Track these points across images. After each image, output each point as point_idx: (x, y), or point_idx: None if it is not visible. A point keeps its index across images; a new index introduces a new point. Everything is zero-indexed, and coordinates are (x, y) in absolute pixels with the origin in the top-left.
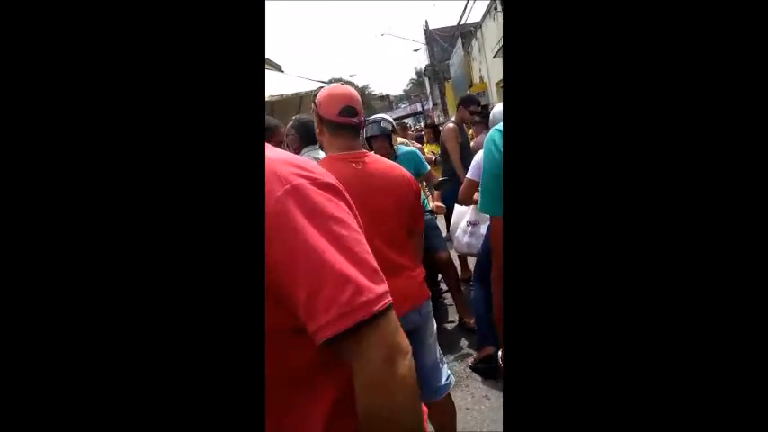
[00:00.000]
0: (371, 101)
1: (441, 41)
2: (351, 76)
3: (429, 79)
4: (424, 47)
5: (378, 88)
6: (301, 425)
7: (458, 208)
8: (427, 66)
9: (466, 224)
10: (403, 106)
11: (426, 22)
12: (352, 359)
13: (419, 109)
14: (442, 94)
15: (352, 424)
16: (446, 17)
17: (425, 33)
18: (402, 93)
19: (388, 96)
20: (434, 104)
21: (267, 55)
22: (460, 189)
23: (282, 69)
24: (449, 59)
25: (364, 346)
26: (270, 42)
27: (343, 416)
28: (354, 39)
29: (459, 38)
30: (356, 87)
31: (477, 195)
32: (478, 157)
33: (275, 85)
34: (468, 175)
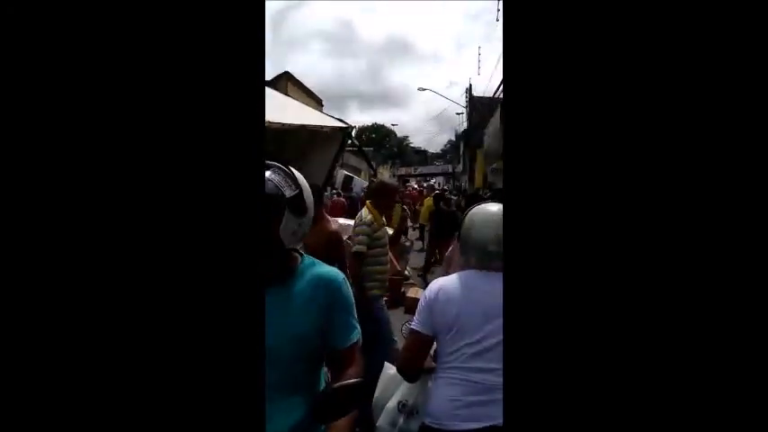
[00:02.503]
0: (409, 153)
1: (480, 108)
2: (393, 125)
3: (462, 143)
4: (464, 110)
5: (417, 141)
6: None
7: (385, 376)
8: (464, 130)
9: (397, 405)
10: (437, 164)
11: (470, 85)
12: None
13: (450, 170)
14: (472, 161)
15: None
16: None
17: (467, 97)
18: (440, 151)
19: (425, 152)
20: (464, 169)
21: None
22: (402, 347)
23: (323, 103)
24: (485, 128)
25: None
26: (316, 77)
27: None
28: (405, 89)
29: (499, 108)
30: (395, 137)
31: (429, 362)
32: (425, 300)
33: (297, 115)
34: (413, 326)
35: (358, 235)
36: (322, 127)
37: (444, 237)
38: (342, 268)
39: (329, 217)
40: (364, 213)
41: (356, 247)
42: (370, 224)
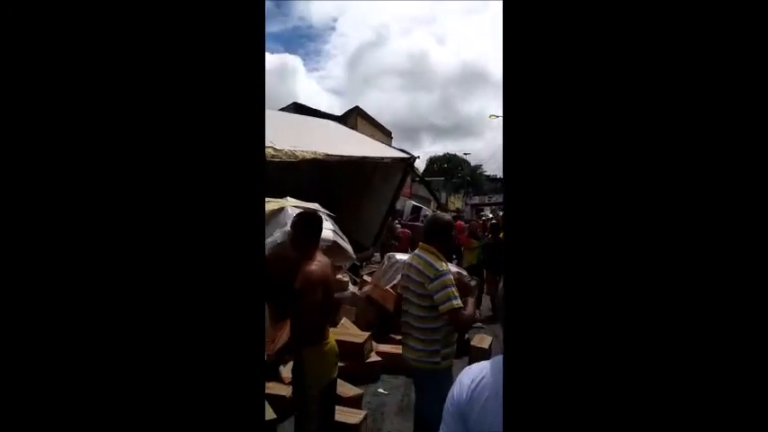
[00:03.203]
0: (483, 181)
1: None
2: (465, 154)
3: None
4: None
5: (491, 170)
6: None
7: None
8: None
9: None
10: None
11: None
12: None
13: None
14: None
15: None
16: None
17: None
18: None
19: (499, 179)
20: None
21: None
22: None
23: (392, 136)
24: None
25: None
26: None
27: None
28: (478, 117)
29: None
30: (468, 165)
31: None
32: (453, 400)
33: (360, 148)
34: None
35: (446, 287)
36: (383, 158)
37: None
38: (319, 313)
39: (319, 255)
40: (433, 260)
41: (455, 303)
42: (446, 272)
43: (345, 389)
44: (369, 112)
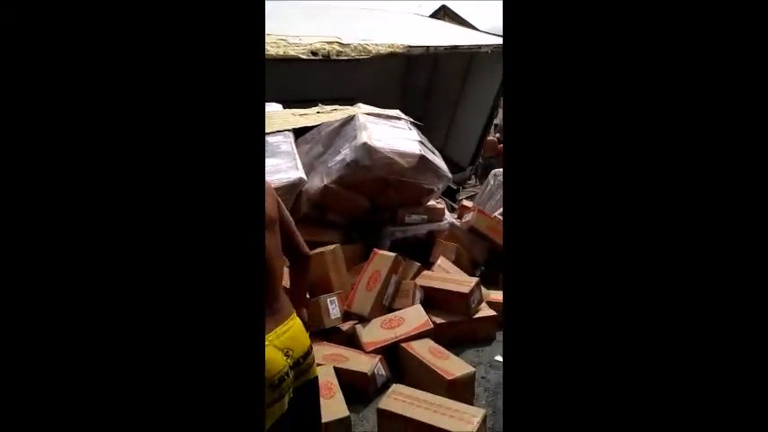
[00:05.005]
0: None
1: None
2: None
3: None
4: None
5: None
6: None
7: None
8: None
9: None
10: None
11: None
12: None
13: None
14: None
15: None
16: None
17: None
18: None
19: None
20: None
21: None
22: None
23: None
24: None
25: None
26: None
27: None
28: None
29: None
30: None
31: None
32: None
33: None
34: None
35: None
36: (479, 47)
37: None
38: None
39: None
40: None
41: None
42: None
43: (450, 366)
44: (459, 13)
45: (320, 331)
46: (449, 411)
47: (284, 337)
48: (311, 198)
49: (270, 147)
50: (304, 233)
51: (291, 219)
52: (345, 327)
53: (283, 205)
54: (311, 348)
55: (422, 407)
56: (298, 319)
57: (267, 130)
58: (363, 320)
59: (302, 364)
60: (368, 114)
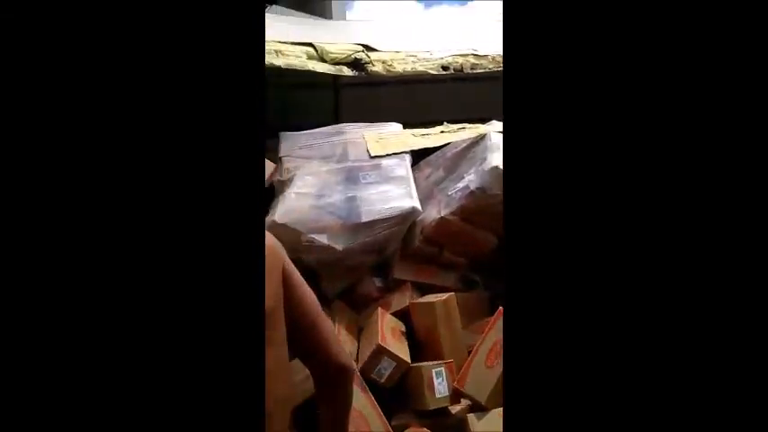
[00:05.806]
0: None
1: None
2: None
3: None
4: None
5: None
6: None
7: None
8: None
9: None
10: None
11: None
12: None
13: None
14: None
15: None
16: None
17: None
18: None
19: None
20: None
21: None
22: None
23: None
24: None
25: None
26: None
27: None
28: None
29: None
30: None
31: None
32: None
33: None
34: None
35: None
36: None
37: None
38: None
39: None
40: None
41: None
42: None
43: None
44: None
45: (419, 411)
46: None
47: None
48: (425, 231)
49: (382, 171)
50: (412, 273)
51: (314, 299)
52: (455, 410)
53: (297, 275)
54: None
55: None
56: None
57: (381, 153)
58: (480, 408)
59: None
60: (500, 132)
